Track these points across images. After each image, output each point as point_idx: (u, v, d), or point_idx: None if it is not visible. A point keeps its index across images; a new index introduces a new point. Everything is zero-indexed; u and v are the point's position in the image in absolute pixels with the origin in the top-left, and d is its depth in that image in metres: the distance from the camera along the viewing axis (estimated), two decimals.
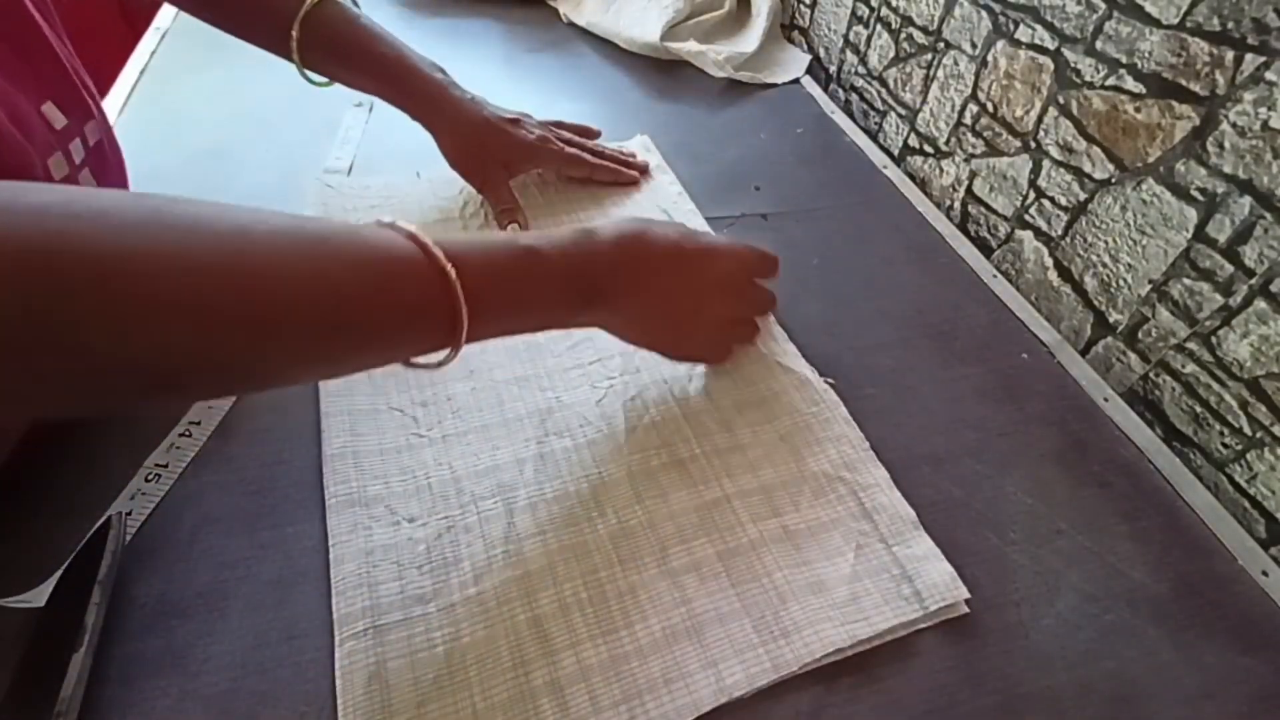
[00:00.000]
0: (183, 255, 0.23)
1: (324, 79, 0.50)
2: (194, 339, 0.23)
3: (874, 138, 0.69)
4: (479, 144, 0.52)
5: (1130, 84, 0.45)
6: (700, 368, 0.43)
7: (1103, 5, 0.46)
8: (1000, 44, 0.54)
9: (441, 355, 0.31)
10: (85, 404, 0.25)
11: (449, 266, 0.29)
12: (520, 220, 0.52)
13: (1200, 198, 0.42)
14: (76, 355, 0.21)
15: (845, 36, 0.72)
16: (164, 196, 0.24)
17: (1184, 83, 0.42)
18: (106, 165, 0.42)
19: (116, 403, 0.28)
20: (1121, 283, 0.48)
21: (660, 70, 0.71)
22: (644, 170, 0.58)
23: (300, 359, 0.27)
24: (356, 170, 0.56)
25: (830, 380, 0.43)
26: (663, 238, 0.39)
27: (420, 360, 0.31)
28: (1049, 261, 0.54)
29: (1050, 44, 0.50)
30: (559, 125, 0.57)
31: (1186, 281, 0.44)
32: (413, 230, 0.29)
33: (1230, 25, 0.39)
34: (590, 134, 0.59)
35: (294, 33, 0.46)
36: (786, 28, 0.81)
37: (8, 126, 0.32)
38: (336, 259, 0.27)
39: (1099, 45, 0.47)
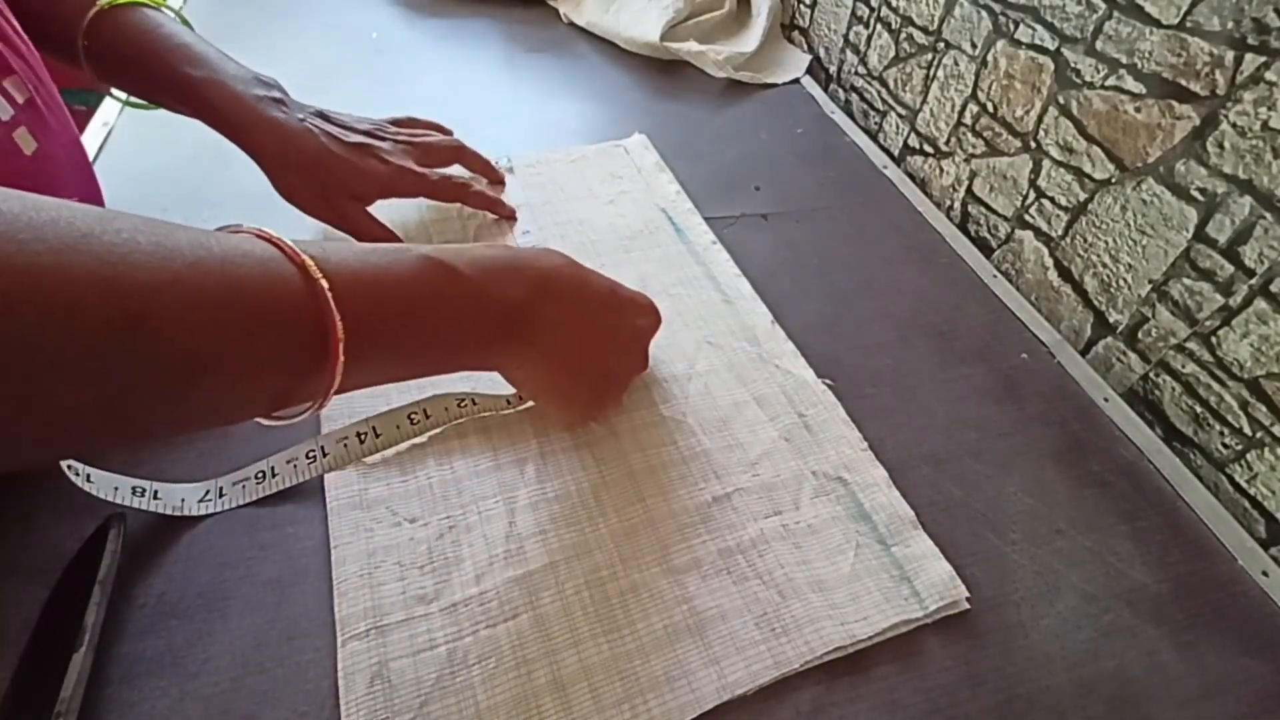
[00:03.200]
0: None
1: (142, 100, 0.44)
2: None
3: (874, 138, 0.69)
4: (314, 177, 0.43)
5: (1130, 84, 0.45)
6: (699, 365, 0.43)
7: (1103, 5, 0.46)
8: (1000, 44, 0.54)
9: (304, 406, 0.27)
10: None
11: (321, 278, 0.24)
12: None
13: (1200, 198, 0.42)
14: None
15: (845, 36, 0.72)
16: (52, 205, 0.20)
17: (1184, 83, 0.42)
18: (45, 125, 0.39)
19: None
20: (1121, 283, 0.48)
21: (660, 70, 0.71)
22: (511, 217, 0.52)
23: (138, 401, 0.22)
24: None
25: (828, 381, 0.43)
26: (595, 273, 0.35)
27: (280, 415, 0.27)
28: (1049, 261, 0.54)
29: (1050, 44, 0.50)
30: (413, 123, 0.51)
31: (1186, 281, 0.44)
32: (280, 240, 0.25)
33: (1230, 25, 0.39)
34: (441, 131, 0.52)
35: (81, 42, 0.40)
36: (786, 28, 0.81)
37: None
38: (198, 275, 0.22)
39: (1099, 45, 0.47)
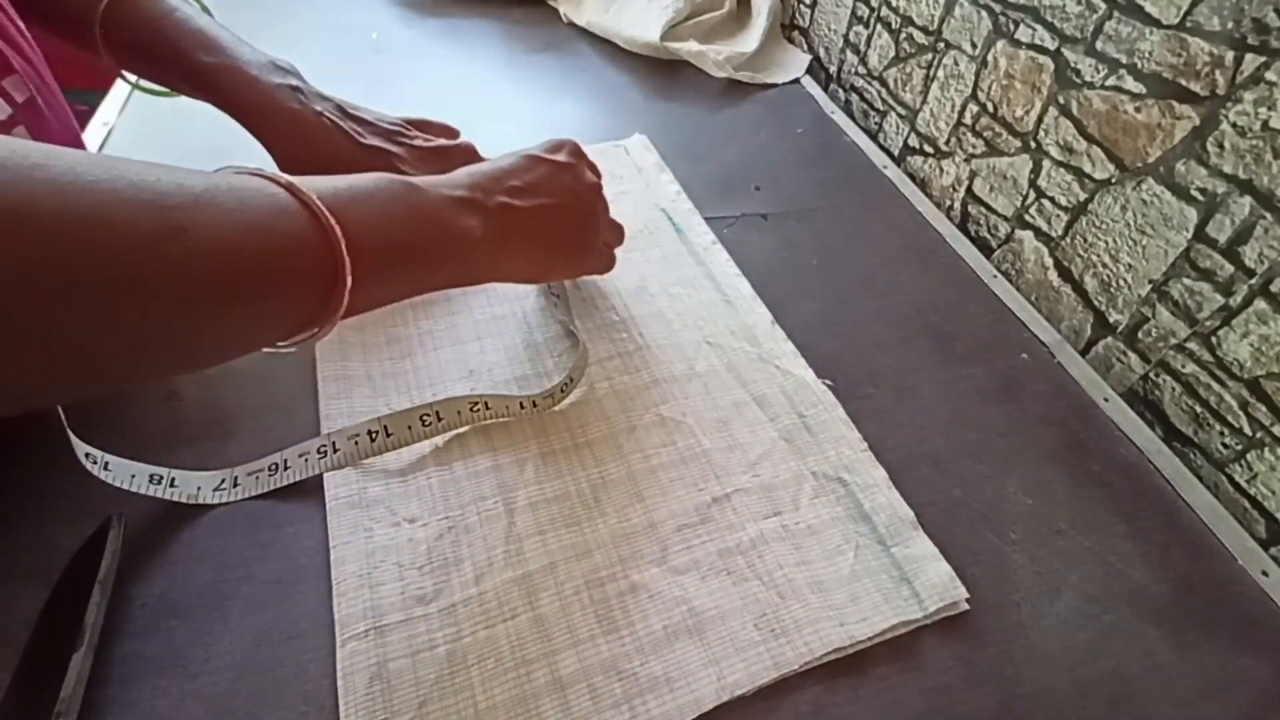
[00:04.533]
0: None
1: (161, 87, 0.44)
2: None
3: (874, 138, 0.69)
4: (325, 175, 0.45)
5: (1130, 84, 0.45)
6: (699, 366, 0.43)
7: (1103, 5, 0.46)
8: (1000, 44, 0.54)
9: (305, 333, 0.29)
10: None
11: (309, 193, 0.27)
12: None
13: (1200, 198, 0.42)
14: None
15: (845, 36, 0.72)
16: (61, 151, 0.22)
17: (1184, 83, 0.42)
18: (45, 124, 0.40)
19: None
20: (1121, 283, 0.48)
21: (660, 70, 0.71)
22: None
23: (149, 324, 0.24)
24: None
25: (828, 381, 0.43)
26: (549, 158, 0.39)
27: (282, 344, 0.29)
28: (1049, 261, 0.54)
29: (1050, 44, 0.50)
30: (425, 125, 0.50)
31: (1186, 281, 0.44)
32: (287, 179, 0.28)
33: (1230, 25, 0.39)
34: (451, 134, 0.51)
35: (97, 29, 0.40)
36: (786, 28, 0.81)
37: None
38: (212, 215, 0.25)
39: (1099, 45, 0.47)
